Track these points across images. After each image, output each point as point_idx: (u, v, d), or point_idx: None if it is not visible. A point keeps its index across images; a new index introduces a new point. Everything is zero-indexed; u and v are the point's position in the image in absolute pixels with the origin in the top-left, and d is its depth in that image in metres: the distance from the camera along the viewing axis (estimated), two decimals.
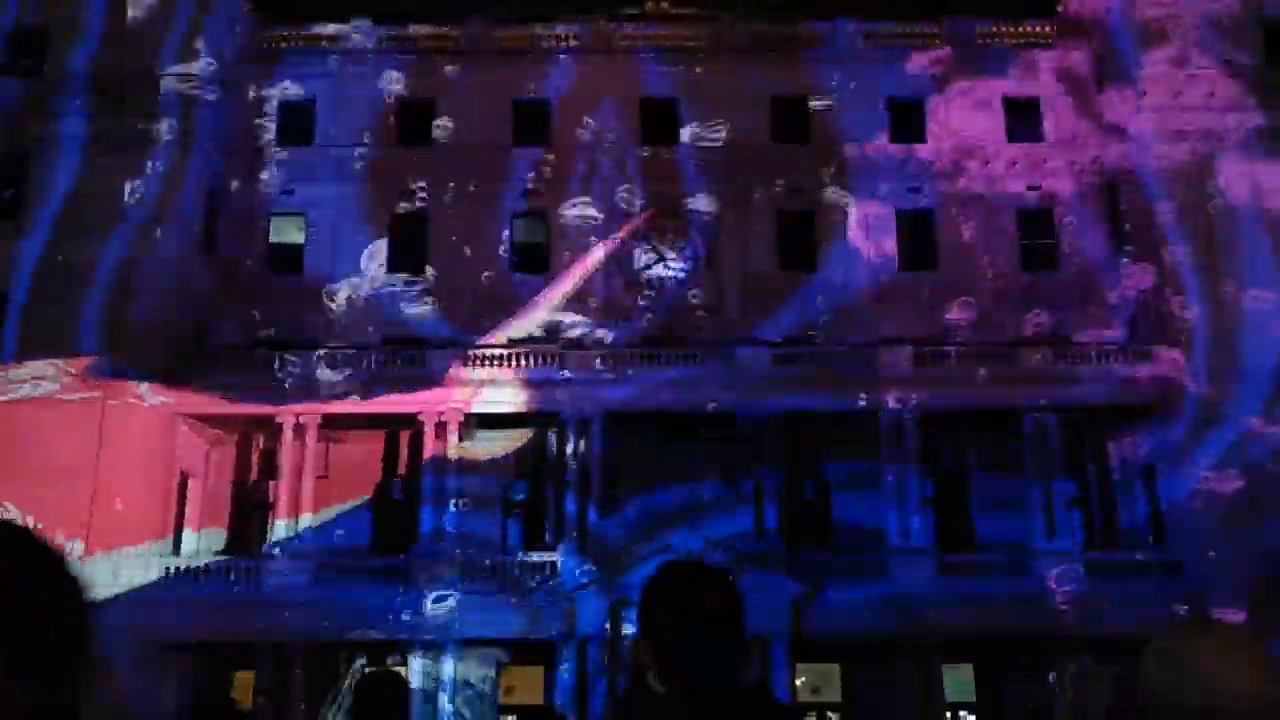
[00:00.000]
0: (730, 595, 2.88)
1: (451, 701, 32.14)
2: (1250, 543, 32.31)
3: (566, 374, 34.77)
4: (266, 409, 34.52)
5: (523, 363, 35.15)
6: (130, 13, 36.71)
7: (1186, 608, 31.06)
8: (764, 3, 42.86)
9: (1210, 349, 34.27)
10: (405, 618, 32.50)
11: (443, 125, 40.65)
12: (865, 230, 39.66)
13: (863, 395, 34.78)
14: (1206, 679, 2.42)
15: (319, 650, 32.63)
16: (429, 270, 39.33)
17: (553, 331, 37.96)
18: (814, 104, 40.77)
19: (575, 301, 38.93)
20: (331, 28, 41.92)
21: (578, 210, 39.69)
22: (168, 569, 33.06)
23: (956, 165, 40.12)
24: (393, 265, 39.56)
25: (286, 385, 34.55)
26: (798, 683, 33.98)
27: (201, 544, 35.33)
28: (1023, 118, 40.96)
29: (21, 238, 34.91)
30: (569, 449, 34.56)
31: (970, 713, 35.38)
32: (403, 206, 39.98)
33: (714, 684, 2.80)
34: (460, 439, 34.64)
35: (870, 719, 33.90)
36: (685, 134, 40.60)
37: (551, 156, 40.11)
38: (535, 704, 34.09)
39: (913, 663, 32.62)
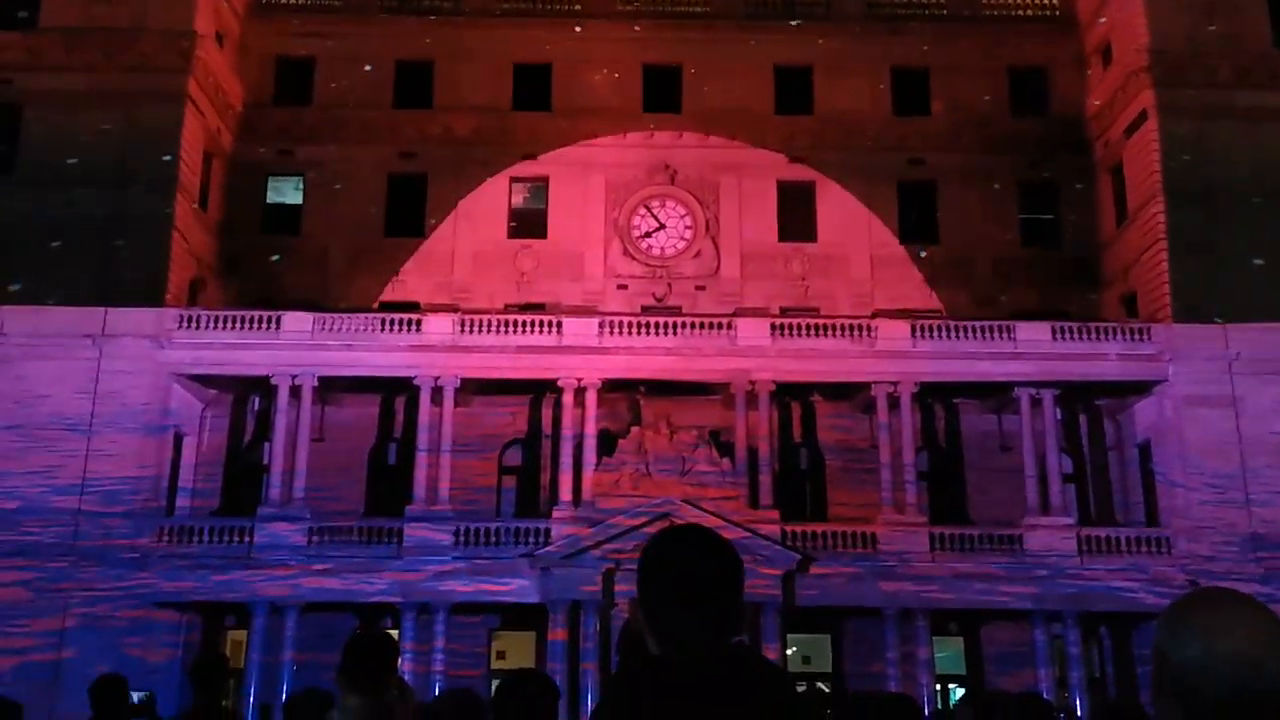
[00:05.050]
0: (728, 561, 2.84)
1: (443, 665, 32.24)
2: (1242, 519, 32.49)
3: (563, 340, 34.67)
4: (262, 369, 34.44)
5: (520, 329, 35.02)
6: None
7: (1179, 583, 31.20)
8: None
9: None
10: (397, 580, 32.57)
11: (443, 88, 40.35)
12: (865, 202, 39.51)
13: (858, 367, 34.74)
14: (1206, 645, 2.37)
15: (311, 611, 32.69)
16: (427, 233, 39.17)
17: (551, 297, 37.85)
18: (817, 73, 40.56)
19: (574, 268, 38.81)
20: None
21: (579, 176, 39.46)
22: (161, 528, 33.07)
23: (958, 136, 39.91)
24: (392, 228, 39.39)
25: (282, 346, 34.43)
26: (789, 653, 34.13)
27: (195, 504, 35.34)
28: (1026, 90, 40.74)
29: (15, 191, 34.71)
30: (564, 415, 34.52)
31: (960, 685, 35.60)
32: (402, 169, 39.74)
33: (710, 648, 2.76)
34: (456, 403, 34.60)
35: (861, 690, 34.10)
36: (688, 101, 40.34)
37: (552, 120, 39.84)
38: (526, 667, 34.26)
39: (903, 635, 32.77)
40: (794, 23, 40.51)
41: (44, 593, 30.75)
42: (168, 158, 35.31)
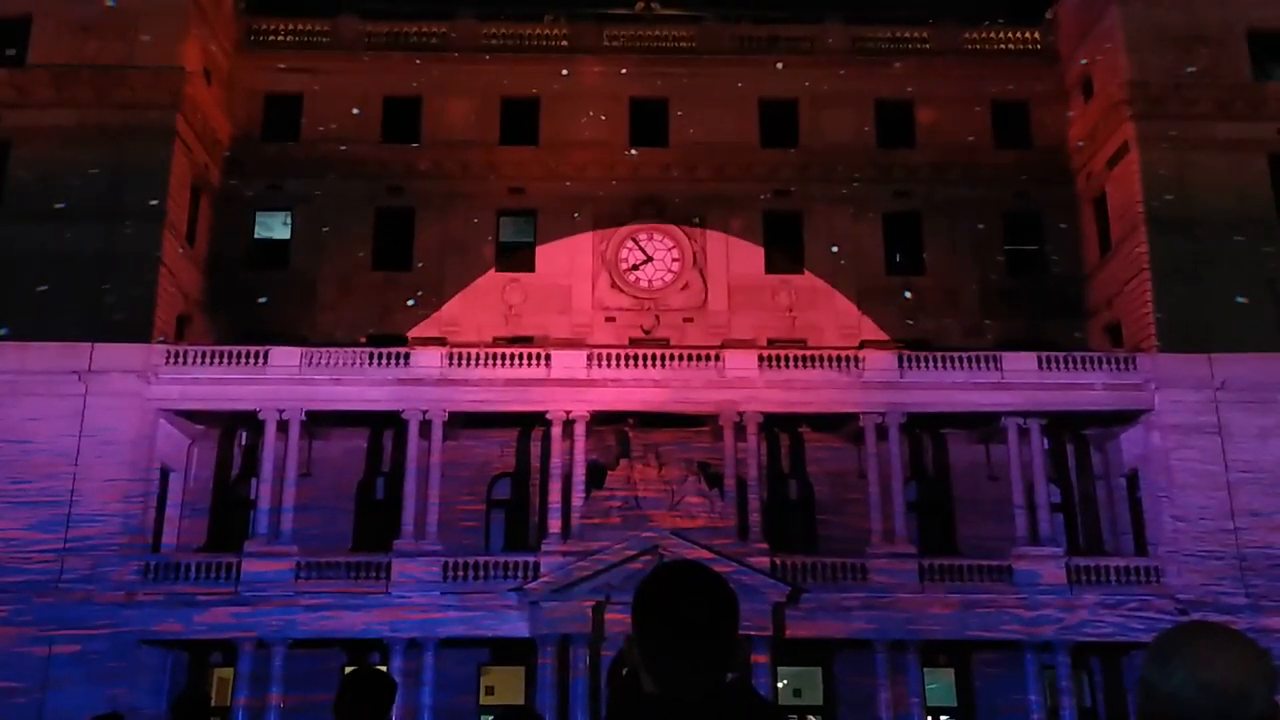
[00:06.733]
0: (724, 598, 2.85)
1: (431, 700, 31.98)
2: (1230, 548, 32.54)
3: (552, 373, 34.65)
4: (249, 405, 34.32)
5: (508, 362, 35.01)
6: (116, 3, 36.44)
7: (1168, 613, 31.23)
8: (752, 2, 42.87)
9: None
10: (386, 616, 32.35)
11: (430, 123, 40.52)
12: (851, 233, 39.71)
13: (846, 397, 34.78)
14: (1198, 675, 2.40)
15: (299, 648, 32.42)
16: (415, 267, 39.22)
17: (539, 330, 37.88)
18: (803, 107, 40.89)
19: (561, 301, 38.87)
20: (320, 23, 41.73)
21: (566, 209, 39.60)
22: (147, 564, 32.81)
23: (941, 169, 40.20)
24: (380, 262, 39.44)
25: (270, 381, 34.34)
26: (779, 685, 33.97)
27: (181, 540, 35.10)
28: (1009, 122, 41.10)
29: (3, 227, 34.66)
30: (553, 448, 34.45)
31: (951, 717, 35.47)
32: (389, 203, 39.82)
33: (705, 686, 2.77)
34: (445, 437, 34.51)
35: None
36: (674, 134, 40.58)
37: (540, 155, 40.03)
38: (515, 704, 33.98)
39: (894, 666, 32.64)
40: (779, 64, 40.79)
41: (28, 630, 30.43)
42: (155, 194, 35.32)
